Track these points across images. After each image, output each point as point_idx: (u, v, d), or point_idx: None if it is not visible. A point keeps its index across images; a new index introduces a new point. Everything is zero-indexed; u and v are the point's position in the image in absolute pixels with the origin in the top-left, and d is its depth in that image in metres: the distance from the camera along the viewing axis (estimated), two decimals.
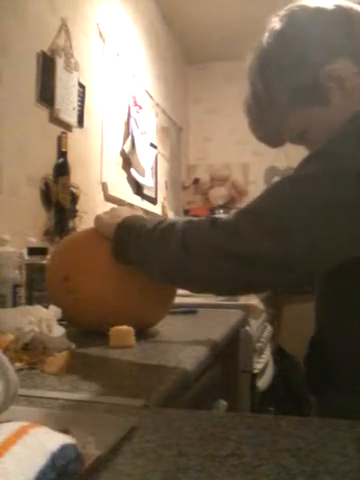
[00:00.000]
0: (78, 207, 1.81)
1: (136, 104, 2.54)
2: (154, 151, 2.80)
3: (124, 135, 2.42)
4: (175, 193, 3.43)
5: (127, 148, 2.41)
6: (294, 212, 0.65)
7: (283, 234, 0.65)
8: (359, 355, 0.75)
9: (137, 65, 2.66)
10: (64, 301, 0.88)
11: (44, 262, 1.07)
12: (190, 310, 1.35)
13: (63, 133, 1.76)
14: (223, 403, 1.03)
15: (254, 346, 1.45)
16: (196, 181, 3.74)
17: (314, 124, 0.81)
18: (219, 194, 3.61)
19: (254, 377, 1.42)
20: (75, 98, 1.84)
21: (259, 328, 1.64)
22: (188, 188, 3.71)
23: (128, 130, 2.45)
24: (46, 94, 1.66)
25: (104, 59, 2.19)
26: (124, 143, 2.40)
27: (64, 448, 0.30)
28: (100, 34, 2.16)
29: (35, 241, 1.39)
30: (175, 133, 3.43)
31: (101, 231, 0.91)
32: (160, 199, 2.99)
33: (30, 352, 0.68)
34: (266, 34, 0.83)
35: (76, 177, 1.83)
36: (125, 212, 0.91)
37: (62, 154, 1.73)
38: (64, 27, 1.80)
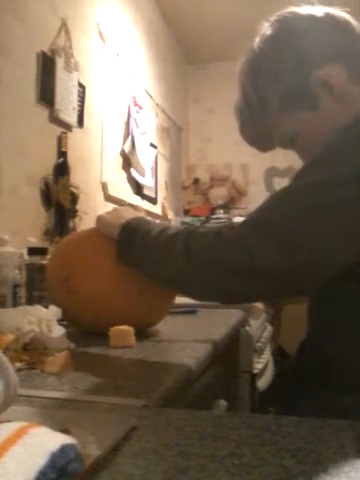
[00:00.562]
0: (78, 207, 1.81)
1: (136, 104, 2.54)
2: (154, 151, 2.80)
3: (124, 135, 2.42)
4: (175, 193, 3.43)
5: (127, 148, 2.41)
6: (299, 222, 0.65)
7: (289, 246, 0.65)
8: (353, 355, 0.75)
9: (137, 65, 2.66)
10: (64, 301, 0.88)
11: (44, 262, 1.07)
12: (190, 310, 1.35)
13: (63, 133, 1.76)
14: (223, 403, 1.02)
15: (254, 346, 1.45)
16: (196, 181, 3.74)
17: (304, 129, 0.82)
18: (219, 194, 3.62)
19: (254, 377, 1.42)
20: (75, 98, 1.84)
21: (259, 328, 1.64)
22: (188, 188, 3.72)
23: (128, 130, 2.45)
24: (46, 94, 1.66)
25: (104, 59, 2.19)
26: (124, 143, 2.40)
27: (64, 448, 0.30)
28: (100, 34, 2.16)
29: (35, 241, 1.39)
30: (175, 133, 3.43)
31: (103, 231, 0.91)
32: (160, 199, 2.99)
33: (30, 352, 0.68)
34: (257, 39, 0.84)
35: (76, 177, 1.83)
36: (127, 212, 0.91)
37: (62, 154, 1.73)
38: (64, 27, 1.80)
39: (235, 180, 3.69)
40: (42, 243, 1.50)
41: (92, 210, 1.96)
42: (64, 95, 1.75)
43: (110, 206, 2.10)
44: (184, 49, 3.64)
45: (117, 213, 0.92)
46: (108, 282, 0.89)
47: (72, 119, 1.82)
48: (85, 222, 1.80)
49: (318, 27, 0.80)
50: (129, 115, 2.46)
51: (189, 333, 1.03)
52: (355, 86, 0.78)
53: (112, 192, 2.20)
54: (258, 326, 1.61)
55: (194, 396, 0.76)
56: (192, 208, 3.59)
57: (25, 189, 1.54)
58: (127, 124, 2.45)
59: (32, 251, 1.13)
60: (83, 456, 0.32)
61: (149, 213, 2.61)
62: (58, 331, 0.73)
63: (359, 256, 0.67)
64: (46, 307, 0.75)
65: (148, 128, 2.68)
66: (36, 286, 1.09)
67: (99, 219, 0.93)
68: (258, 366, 1.47)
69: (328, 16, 0.81)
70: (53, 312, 0.75)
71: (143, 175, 2.58)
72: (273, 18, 0.84)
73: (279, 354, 2.26)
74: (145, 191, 2.67)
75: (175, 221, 3.24)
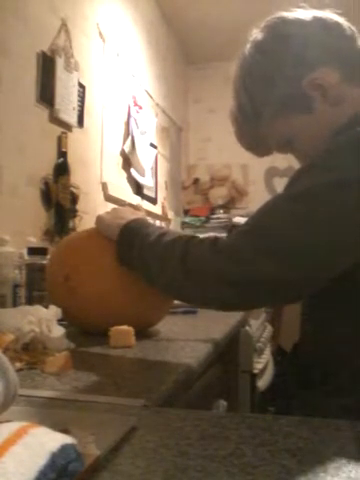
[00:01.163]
0: (78, 207, 1.81)
1: (136, 104, 2.54)
2: (154, 151, 2.80)
3: (124, 135, 2.42)
4: (175, 193, 3.43)
5: (127, 148, 2.41)
6: (295, 230, 0.64)
7: (286, 255, 0.64)
8: (345, 358, 0.75)
9: (137, 65, 2.66)
10: (64, 301, 0.88)
11: (44, 262, 1.07)
12: (190, 310, 1.35)
13: (63, 133, 1.76)
14: (223, 403, 1.03)
15: (254, 346, 1.45)
16: (196, 181, 3.74)
17: (300, 132, 0.82)
18: (219, 194, 3.61)
19: (254, 377, 1.42)
20: (75, 98, 1.84)
21: (259, 328, 1.64)
22: (188, 188, 3.71)
23: (128, 130, 2.45)
24: (46, 94, 1.66)
25: (104, 59, 2.19)
26: (124, 143, 2.40)
27: (64, 448, 0.30)
28: (100, 34, 2.16)
29: (35, 241, 1.39)
30: (175, 133, 3.43)
31: (102, 232, 0.91)
32: (160, 199, 2.99)
33: (30, 352, 0.68)
34: (248, 45, 0.85)
35: (76, 177, 1.83)
36: (127, 213, 0.91)
37: (62, 154, 1.73)
38: (64, 27, 1.80)
39: (235, 180, 3.69)
40: (42, 243, 1.50)
41: (92, 210, 1.96)
42: (64, 95, 1.75)
43: (110, 206, 2.10)
44: (184, 49, 3.64)
45: (117, 213, 0.92)
46: (108, 282, 0.89)
47: (72, 119, 1.82)
48: (85, 222, 1.80)
49: (307, 31, 0.80)
50: (129, 115, 2.46)
51: (189, 333, 1.03)
52: (348, 87, 0.78)
53: (112, 192, 2.20)
54: (258, 326, 1.61)
55: (194, 396, 0.77)
56: (192, 208, 3.59)
57: (25, 189, 1.54)
58: (127, 124, 2.45)
59: (32, 251, 1.13)
60: (83, 456, 0.32)
61: (149, 213, 2.61)
62: (58, 331, 0.73)
63: (355, 262, 0.67)
64: (46, 307, 0.75)
65: (148, 128, 2.68)
66: (36, 286, 1.09)
67: (99, 219, 0.93)
68: (258, 366, 1.47)
69: (317, 19, 0.81)
70: (53, 312, 0.75)
71: (143, 175, 2.58)
72: (262, 24, 0.84)
73: (279, 354, 2.26)
74: (145, 191, 2.67)
75: (175, 221, 3.24)
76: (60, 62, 1.73)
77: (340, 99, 0.78)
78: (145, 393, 0.53)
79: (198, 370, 0.72)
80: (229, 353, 1.24)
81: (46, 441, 0.30)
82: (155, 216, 2.79)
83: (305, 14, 0.82)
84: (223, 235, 0.74)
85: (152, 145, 2.77)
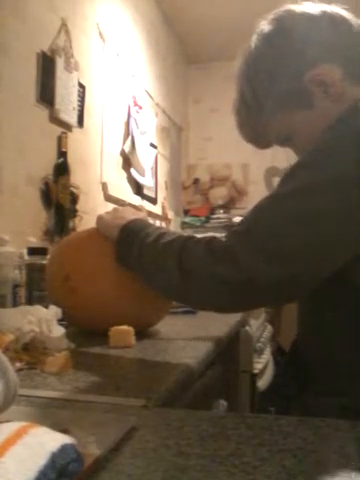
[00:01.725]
0: (78, 207, 1.81)
1: (136, 104, 2.54)
2: (154, 151, 2.80)
3: (124, 135, 2.42)
4: (175, 193, 3.43)
5: (127, 148, 2.41)
6: (287, 229, 0.64)
7: (280, 254, 0.64)
8: (342, 358, 0.75)
9: (137, 65, 2.66)
10: (64, 301, 0.88)
11: (44, 262, 1.07)
12: (190, 310, 1.35)
13: (63, 133, 1.76)
14: (223, 403, 1.02)
15: (254, 346, 1.45)
16: (196, 181, 3.74)
17: (300, 127, 0.82)
18: (219, 194, 3.62)
19: (254, 377, 1.42)
20: (75, 98, 1.84)
21: (259, 328, 1.64)
22: (188, 188, 3.72)
23: (128, 130, 2.45)
24: (46, 94, 1.66)
25: (104, 59, 2.19)
26: (124, 143, 2.40)
27: (64, 448, 0.30)
28: (100, 34, 2.16)
29: (35, 241, 1.39)
30: (175, 133, 3.43)
31: (102, 231, 0.91)
32: (160, 199, 2.99)
33: (30, 352, 0.68)
34: (254, 37, 0.84)
35: (76, 177, 1.83)
36: (128, 213, 0.91)
37: (62, 154, 1.73)
38: (64, 27, 1.80)
39: (235, 180, 3.69)
40: (42, 243, 1.50)
41: (92, 210, 1.96)
42: (64, 95, 1.75)
43: (110, 206, 2.10)
44: (184, 49, 3.64)
45: (117, 213, 0.92)
46: (108, 282, 0.89)
47: (72, 119, 1.82)
48: (85, 222, 1.80)
49: (314, 26, 0.79)
50: (129, 115, 2.46)
51: (189, 333, 1.03)
52: (350, 85, 0.78)
53: (112, 192, 2.20)
54: (258, 326, 1.61)
55: (194, 396, 0.76)
56: (192, 208, 3.59)
57: (25, 189, 1.54)
58: (127, 124, 2.45)
59: (32, 251, 1.13)
60: (83, 456, 0.32)
61: (149, 213, 2.61)
62: (58, 331, 0.73)
63: (348, 261, 0.66)
64: (46, 307, 0.75)
65: (148, 128, 2.68)
66: (36, 286, 1.09)
67: (99, 219, 0.93)
68: (258, 366, 1.47)
69: (325, 14, 0.80)
70: (53, 312, 0.75)
71: (143, 175, 2.58)
72: (270, 16, 0.83)
73: (279, 354, 2.26)
74: (145, 191, 2.67)
75: (175, 221, 3.24)
76: (60, 62, 1.73)
77: (341, 96, 0.77)
78: (145, 393, 0.53)
79: (198, 370, 0.72)
80: (229, 353, 1.24)
81: (46, 441, 0.30)
82: (155, 216, 2.79)
83: (313, 8, 0.81)
84: (221, 235, 0.73)
85: (152, 145, 2.77)
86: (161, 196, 3.02)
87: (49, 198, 1.64)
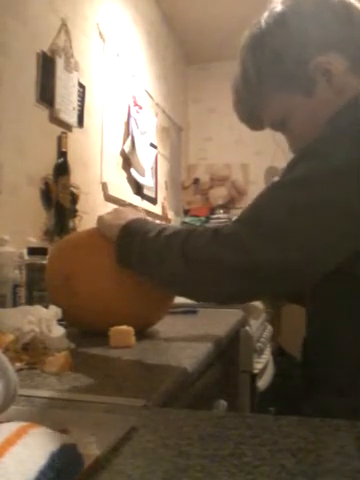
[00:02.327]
0: (78, 207, 1.81)
1: (136, 104, 2.54)
2: (154, 151, 2.80)
3: (124, 135, 2.42)
4: (175, 193, 3.43)
5: (127, 148, 2.41)
6: (292, 216, 0.64)
7: (284, 241, 0.64)
8: (351, 356, 0.75)
9: (137, 65, 2.66)
10: (64, 301, 0.88)
11: (44, 262, 1.07)
12: (190, 310, 1.35)
13: (63, 133, 1.76)
14: (223, 403, 1.02)
15: (254, 346, 1.44)
16: (196, 181, 3.74)
17: (296, 113, 0.81)
18: (219, 194, 3.62)
19: (254, 377, 1.41)
20: (75, 98, 1.84)
21: (259, 328, 1.64)
22: (188, 188, 3.71)
23: (128, 130, 2.45)
24: (46, 94, 1.66)
25: (104, 59, 2.19)
26: (124, 143, 2.40)
27: (64, 448, 0.30)
28: (100, 34, 2.16)
29: (35, 241, 1.39)
30: (175, 133, 3.43)
31: (103, 232, 0.91)
32: (160, 199, 2.99)
33: (30, 352, 0.68)
34: (266, 14, 0.82)
35: (76, 177, 1.83)
36: (128, 213, 0.91)
37: (62, 154, 1.73)
38: (64, 27, 1.80)
39: (235, 180, 3.69)
40: (42, 243, 1.50)
41: (92, 210, 1.96)
42: (64, 95, 1.75)
43: (110, 206, 2.10)
44: (184, 49, 3.64)
45: (117, 214, 0.91)
46: (108, 282, 0.89)
47: (72, 119, 1.82)
48: (85, 222, 1.80)
49: (328, 13, 0.78)
50: (129, 115, 2.46)
51: (189, 333, 1.03)
52: (354, 78, 0.77)
53: (112, 192, 2.20)
54: (258, 326, 1.61)
55: (194, 396, 0.76)
56: (192, 208, 3.59)
57: (25, 189, 1.54)
58: (127, 124, 2.45)
59: (32, 251, 1.13)
60: (83, 456, 0.32)
61: (149, 213, 2.61)
62: (58, 331, 0.73)
63: (354, 251, 0.66)
64: (46, 307, 0.75)
65: (148, 128, 2.68)
66: (36, 286, 1.09)
67: (99, 220, 0.93)
68: (258, 366, 1.46)
69: (341, 3, 0.79)
70: (53, 312, 0.75)
71: (143, 175, 2.58)
72: None
73: (279, 354, 2.25)
74: (145, 191, 2.67)
75: (175, 221, 3.24)
76: (60, 62, 1.73)
77: (343, 87, 0.77)
78: (145, 393, 0.53)
79: (198, 370, 0.72)
80: (229, 353, 1.24)
81: (46, 441, 0.30)
82: (155, 216, 2.79)
83: None
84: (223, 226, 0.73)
85: (152, 145, 2.77)
86: (161, 196, 3.02)
87: (49, 198, 1.64)
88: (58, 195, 1.66)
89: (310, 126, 0.78)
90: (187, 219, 3.43)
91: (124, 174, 2.43)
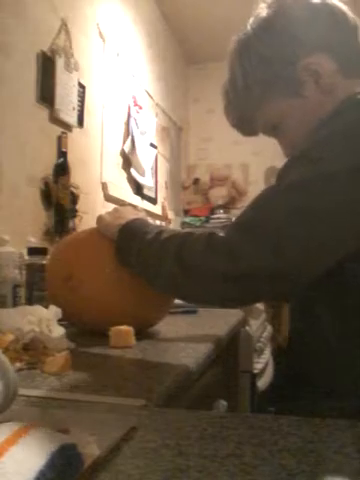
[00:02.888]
0: (78, 207, 1.81)
1: (136, 104, 2.54)
2: (154, 151, 2.80)
3: (124, 135, 2.42)
4: (175, 193, 3.43)
5: (127, 148, 2.41)
6: (287, 222, 0.64)
7: (279, 247, 0.64)
8: (333, 356, 0.75)
9: (137, 65, 2.66)
10: (65, 301, 0.88)
11: (44, 262, 1.07)
12: (190, 310, 1.35)
13: (63, 133, 1.76)
14: (223, 403, 1.02)
15: (254, 346, 1.45)
16: (196, 181, 3.74)
17: (287, 116, 0.81)
18: (219, 194, 3.61)
19: (254, 377, 1.42)
20: (75, 98, 1.84)
21: (259, 328, 1.64)
22: (188, 188, 3.71)
23: (128, 130, 2.45)
24: (46, 94, 1.66)
25: (104, 59, 2.19)
26: (124, 143, 2.40)
27: (64, 448, 0.30)
28: (100, 34, 2.16)
29: (35, 241, 1.39)
30: (175, 133, 3.43)
31: (103, 232, 0.91)
32: (160, 199, 2.99)
33: (30, 352, 0.68)
34: (252, 19, 0.83)
35: (76, 177, 1.83)
36: (128, 213, 0.91)
37: (62, 154, 1.73)
38: (64, 27, 1.80)
39: (235, 180, 3.69)
40: (42, 243, 1.50)
41: (92, 210, 1.96)
42: (64, 95, 1.75)
43: (110, 206, 2.10)
44: (184, 49, 3.64)
45: (117, 213, 0.92)
46: (108, 282, 0.89)
47: (72, 119, 1.82)
48: (85, 222, 1.80)
49: (313, 15, 0.79)
50: (129, 115, 2.46)
51: (189, 333, 1.03)
52: (342, 79, 0.77)
53: (112, 192, 2.20)
54: (258, 326, 1.61)
55: (194, 396, 0.76)
56: (192, 208, 3.59)
57: (25, 189, 1.54)
58: (127, 124, 2.45)
59: (32, 251, 1.13)
60: (83, 456, 0.32)
61: (149, 213, 2.61)
62: (58, 331, 0.73)
63: (346, 256, 0.66)
64: (46, 307, 0.75)
65: (148, 128, 2.68)
66: (36, 286, 1.09)
67: (100, 219, 0.93)
68: (258, 366, 1.47)
69: (325, 5, 0.79)
70: (53, 312, 0.74)
71: (143, 175, 2.58)
72: (269, 0, 0.82)
73: (279, 354, 2.25)
74: (145, 191, 2.67)
75: (175, 221, 3.24)
76: (60, 62, 1.73)
77: (332, 88, 0.77)
78: (145, 393, 0.53)
79: (198, 370, 0.72)
80: (229, 353, 1.24)
81: (46, 441, 0.30)
82: (155, 216, 2.79)
83: None
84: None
85: (152, 145, 2.77)
86: (161, 196, 3.02)
87: (49, 198, 1.64)
88: (58, 195, 1.66)
89: (302, 128, 0.78)
90: (187, 219, 3.43)
91: (124, 174, 2.43)
